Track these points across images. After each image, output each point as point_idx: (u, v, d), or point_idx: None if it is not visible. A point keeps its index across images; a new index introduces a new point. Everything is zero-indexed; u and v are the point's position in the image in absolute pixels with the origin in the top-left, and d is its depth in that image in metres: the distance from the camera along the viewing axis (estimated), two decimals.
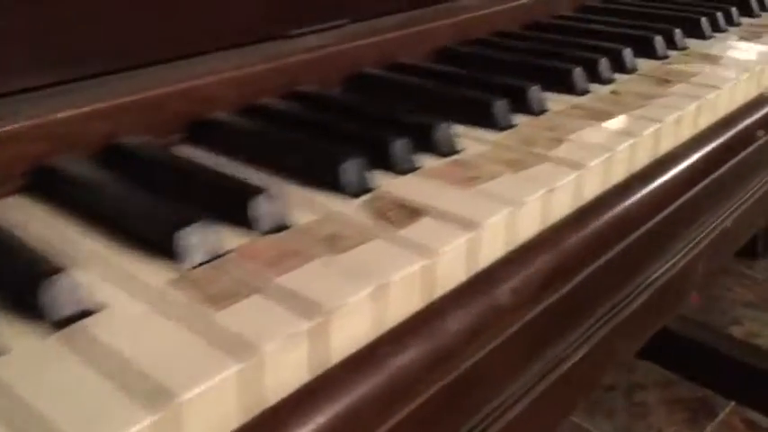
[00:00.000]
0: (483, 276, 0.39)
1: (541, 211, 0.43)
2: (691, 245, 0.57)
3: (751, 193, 0.65)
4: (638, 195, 0.49)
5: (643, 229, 0.50)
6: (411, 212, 0.40)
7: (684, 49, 0.72)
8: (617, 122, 0.53)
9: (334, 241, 0.37)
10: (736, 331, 1.79)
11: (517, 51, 0.66)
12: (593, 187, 0.47)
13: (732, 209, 0.61)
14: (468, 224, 0.39)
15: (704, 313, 1.86)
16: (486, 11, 0.72)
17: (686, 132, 0.57)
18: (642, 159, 0.52)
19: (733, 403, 1.50)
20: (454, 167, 0.46)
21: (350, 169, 0.42)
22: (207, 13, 0.54)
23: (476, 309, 0.38)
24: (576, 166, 0.46)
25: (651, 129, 0.52)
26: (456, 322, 0.37)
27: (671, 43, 0.71)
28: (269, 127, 0.49)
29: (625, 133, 0.51)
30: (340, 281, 0.34)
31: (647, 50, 0.68)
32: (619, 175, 0.49)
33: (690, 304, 1.86)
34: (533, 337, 0.42)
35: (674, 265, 0.55)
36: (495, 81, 0.57)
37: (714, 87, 0.60)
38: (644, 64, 0.67)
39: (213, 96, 0.51)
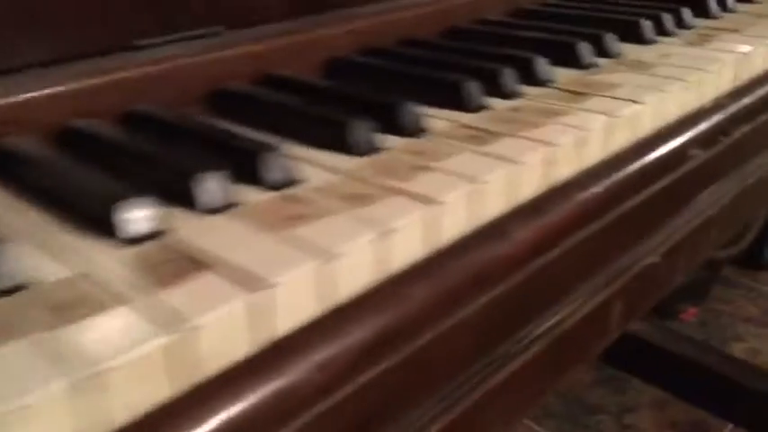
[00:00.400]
0: (277, 351, 0.31)
1: (372, 261, 0.35)
2: (601, 286, 0.49)
3: (687, 221, 0.56)
4: (517, 234, 0.41)
5: (525, 273, 0.42)
6: (192, 266, 0.32)
7: (617, 55, 0.63)
8: (503, 146, 0.45)
9: (68, 309, 0.29)
10: (737, 348, 1.70)
11: (416, 62, 0.58)
12: (453, 227, 0.39)
13: (661, 241, 0.52)
14: (253, 283, 0.31)
15: (702, 328, 1.77)
16: (394, 16, 0.64)
17: (595, 155, 0.48)
18: (529, 189, 0.43)
19: (731, 425, 1.42)
20: (282, 204, 0.38)
21: (125, 209, 0.34)
22: (26, 21, 0.46)
23: (260, 394, 0.30)
24: (429, 201, 0.38)
25: (540, 153, 0.44)
26: (225, 414, 0.29)
27: (600, 50, 0.62)
28: (65, 158, 0.41)
29: (506, 159, 0.43)
30: (32, 371, 0.26)
31: (569, 59, 0.60)
32: (492, 210, 0.41)
33: (686, 319, 1.77)
34: (351, 424, 0.33)
35: (575, 311, 0.47)
36: (369, 97, 0.49)
37: (634, 101, 0.51)
38: (564, 74, 0.58)
39: (22, 118, 0.44)
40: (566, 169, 0.46)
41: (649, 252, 0.52)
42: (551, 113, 0.49)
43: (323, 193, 0.39)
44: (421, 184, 0.40)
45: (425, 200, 0.38)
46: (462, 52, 0.60)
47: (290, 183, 0.40)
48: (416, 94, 0.52)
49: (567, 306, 0.46)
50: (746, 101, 0.62)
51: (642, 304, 0.54)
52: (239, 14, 0.57)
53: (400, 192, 0.39)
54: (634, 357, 1.45)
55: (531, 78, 0.56)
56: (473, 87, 0.50)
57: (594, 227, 0.46)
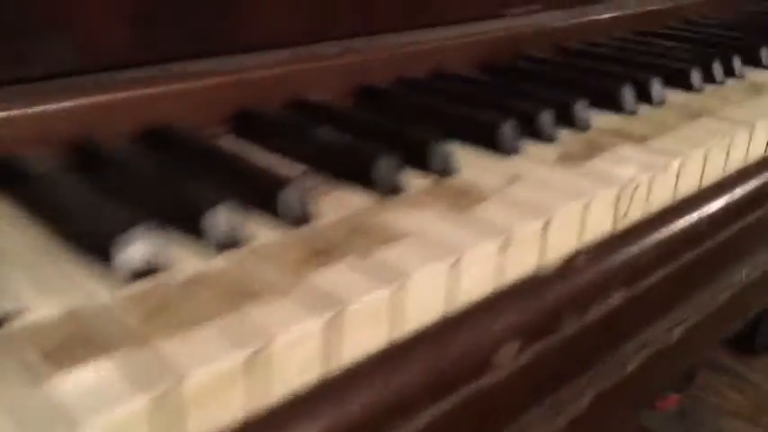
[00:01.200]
0: None
1: None
2: None
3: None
4: None
5: None
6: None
7: (448, 173, 0.44)
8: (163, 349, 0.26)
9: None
10: None
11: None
12: None
13: None
14: None
15: (681, 421, 1.56)
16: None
17: (355, 351, 0.29)
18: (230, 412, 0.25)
19: None
20: None
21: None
22: None
23: None
24: None
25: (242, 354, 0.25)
26: None
27: (423, 163, 0.43)
28: None
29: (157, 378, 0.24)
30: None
31: (365, 178, 0.41)
32: None
33: (663, 407, 1.57)
34: None
35: None
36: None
37: (407, 271, 0.32)
38: (354, 203, 0.39)
39: None
40: (284, 385, 0.27)
41: None
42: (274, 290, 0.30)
43: None
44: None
45: None
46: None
47: None
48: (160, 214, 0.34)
49: None
50: (628, 252, 0.43)
51: None
52: None
53: None
54: None
55: (286, 217, 0.37)
56: (215, 216, 0.32)
57: None
